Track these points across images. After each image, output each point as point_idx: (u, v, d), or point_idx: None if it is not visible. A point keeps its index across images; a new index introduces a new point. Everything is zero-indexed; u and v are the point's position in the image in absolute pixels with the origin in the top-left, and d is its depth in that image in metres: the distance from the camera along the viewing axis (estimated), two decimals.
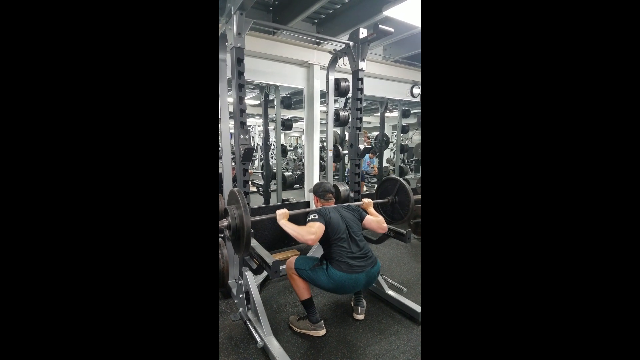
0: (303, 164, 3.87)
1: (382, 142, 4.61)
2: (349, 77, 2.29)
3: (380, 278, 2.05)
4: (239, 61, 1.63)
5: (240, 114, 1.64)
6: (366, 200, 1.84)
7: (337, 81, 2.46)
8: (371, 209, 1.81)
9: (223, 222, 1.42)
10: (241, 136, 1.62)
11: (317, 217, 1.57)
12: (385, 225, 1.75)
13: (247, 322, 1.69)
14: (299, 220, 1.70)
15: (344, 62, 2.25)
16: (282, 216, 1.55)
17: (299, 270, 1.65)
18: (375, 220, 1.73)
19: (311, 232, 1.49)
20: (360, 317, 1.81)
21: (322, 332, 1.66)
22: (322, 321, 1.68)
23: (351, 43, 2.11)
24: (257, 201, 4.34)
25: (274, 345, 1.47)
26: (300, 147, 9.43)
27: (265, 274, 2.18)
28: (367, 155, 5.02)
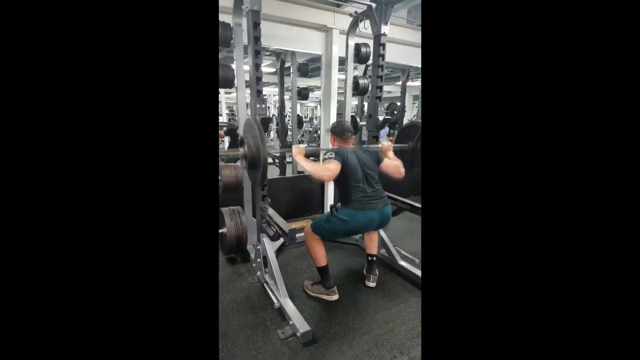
0: (319, 136, 3.81)
1: (402, 113, 4.46)
2: (370, 42, 2.16)
3: (393, 249, 2.08)
4: (256, 25, 1.57)
5: (256, 81, 1.61)
6: (385, 144, 1.79)
7: (358, 46, 2.34)
8: (390, 154, 1.77)
9: (239, 151, 1.45)
10: (257, 105, 1.60)
11: (334, 156, 1.54)
12: (402, 170, 1.69)
13: (265, 284, 1.79)
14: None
15: (364, 26, 2.12)
16: (298, 151, 1.55)
17: (316, 228, 1.69)
18: (393, 165, 1.70)
19: (328, 169, 1.49)
20: (372, 284, 1.87)
21: (335, 296, 1.74)
22: (335, 287, 1.75)
23: (374, 5, 1.97)
24: (273, 172, 4.40)
25: (290, 307, 1.56)
26: (316, 118, 9.26)
27: (281, 240, 2.26)
28: (386, 128, 4.90)
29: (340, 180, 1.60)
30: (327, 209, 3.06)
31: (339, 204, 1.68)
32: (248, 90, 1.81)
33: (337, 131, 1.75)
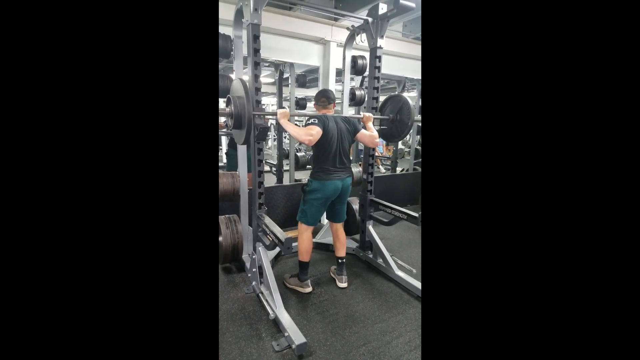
0: None
1: None
2: (367, 54, 2.21)
3: (390, 259, 2.08)
4: (255, 38, 1.60)
5: (255, 92, 1.63)
6: (367, 115, 1.88)
7: (354, 59, 2.38)
8: (369, 124, 1.86)
9: (225, 110, 1.48)
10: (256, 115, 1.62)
11: (316, 122, 1.66)
12: (377, 140, 1.85)
13: (260, 295, 1.77)
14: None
15: (361, 39, 2.16)
16: (282, 115, 1.60)
17: (301, 217, 1.86)
18: (368, 135, 1.83)
19: (309, 133, 1.60)
20: (344, 285, 1.96)
21: (309, 289, 1.88)
22: (309, 280, 1.91)
23: (370, 19, 2.02)
24: (270, 180, 4.40)
25: (285, 318, 1.54)
26: None
27: (277, 249, 2.25)
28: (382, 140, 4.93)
29: (317, 148, 1.76)
30: (324, 219, 3.05)
31: (308, 180, 1.85)
32: None
33: (316, 98, 1.89)
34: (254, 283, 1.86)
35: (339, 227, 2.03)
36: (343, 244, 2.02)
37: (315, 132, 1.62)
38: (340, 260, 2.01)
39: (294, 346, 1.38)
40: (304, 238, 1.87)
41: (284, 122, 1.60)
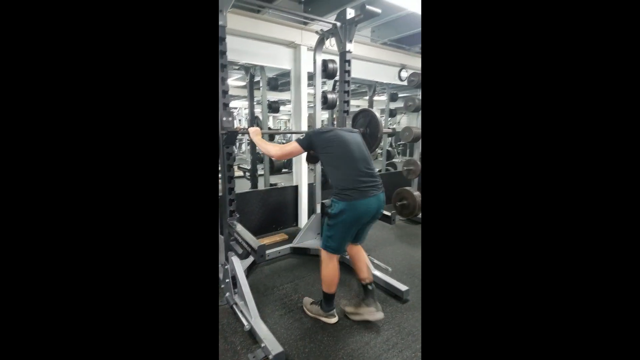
0: None
1: None
2: (337, 58, 2.23)
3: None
4: (221, 40, 1.55)
5: (222, 95, 1.58)
6: None
7: (325, 62, 2.39)
8: None
9: None
10: (224, 118, 1.57)
11: (300, 138, 1.55)
12: None
13: (234, 306, 1.70)
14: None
15: (331, 43, 2.18)
16: (255, 133, 1.65)
17: (326, 245, 1.54)
18: None
19: (280, 148, 1.58)
20: (381, 315, 1.62)
21: (334, 319, 1.63)
22: (335, 310, 1.65)
23: (338, 23, 2.04)
24: (244, 186, 4.29)
25: (261, 328, 1.49)
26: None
27: (252, 258, 2.18)
28: None
29: (328, 163, 1.50)
30: (302, 222, 3.02)
31: (331, 201, 1.51)
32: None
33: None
34: (227, 294, 1.79)
35: (359, 247, 1.72)
36: (365, 264, 1.69)
37: (291, 147, 1.52)
38: (369, 287, 1.63)
39: (271, 357, 1.34)
40: (329, 268, 1.55)
41: (257, 140, 1.63)
